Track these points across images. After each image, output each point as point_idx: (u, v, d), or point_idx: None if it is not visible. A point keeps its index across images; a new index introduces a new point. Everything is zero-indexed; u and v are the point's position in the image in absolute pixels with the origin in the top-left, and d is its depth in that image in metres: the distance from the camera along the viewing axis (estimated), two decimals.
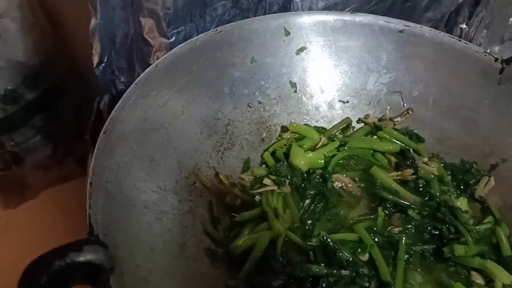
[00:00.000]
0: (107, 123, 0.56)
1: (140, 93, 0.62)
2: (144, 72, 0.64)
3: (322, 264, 0.62)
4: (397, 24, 0.80)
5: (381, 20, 0.80)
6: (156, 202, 0.59)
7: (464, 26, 1.14)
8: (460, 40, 0.79)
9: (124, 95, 0.61)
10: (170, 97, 0.66)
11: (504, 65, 0.75)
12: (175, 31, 0.78)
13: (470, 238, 0.66)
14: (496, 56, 0.77)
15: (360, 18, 0.81)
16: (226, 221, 0.68)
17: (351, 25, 0.80)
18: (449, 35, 0.80)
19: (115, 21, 0.76)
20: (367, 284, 0.61)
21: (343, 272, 0.62)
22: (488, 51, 0.78)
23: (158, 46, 0.72)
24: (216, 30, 0.73)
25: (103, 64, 0.77)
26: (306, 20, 0.79)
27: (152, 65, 0.66)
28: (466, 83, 0.78)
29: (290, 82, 0.81)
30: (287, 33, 0.78)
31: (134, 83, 0.62)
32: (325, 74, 0.82)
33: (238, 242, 0.63)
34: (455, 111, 0.79)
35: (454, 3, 1.08)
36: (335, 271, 0.61)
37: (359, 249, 0.65)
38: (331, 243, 0.63)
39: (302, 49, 0.80)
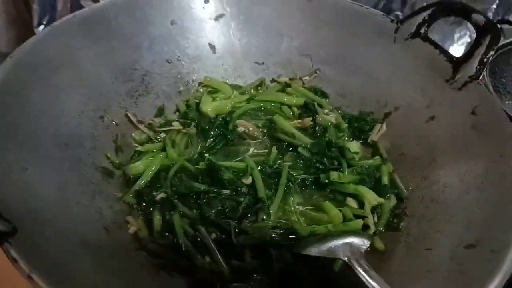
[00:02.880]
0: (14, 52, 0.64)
1: (55, 35, 0.71)
2: (61, 19, 0.74)
3: (207, 184, 0.69)
4: None
5: None
6: (58, 128, 0.66)
7: (398, 12, 1.22)
8: (361, 6, 0.87)
9: (39, 34, 0.70)
10: (85, 44, 0.75)
11: (398, 25, 0.83)
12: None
13: (346, 167, 0.72)
14: (392, 18, 0.84)
15: None
16: (130, 152, 0.75)
17: None
18: (352, 1, 0.88)
19: None
20: (242, 200, 0.67)
21: (224, 191, 0.68)
22: None
23: None
24: None
25: (42, 26, 0.88)
26: None
27: (70, 14, 0.75)
28: (367, 44, 0.86)
29: (210, 44, 0.90)
30: (206, 0, 0.88)
31: (50, 26, 0.72)
32: (242, 39, 0.91)
33: (133, 165, 0.71)
34: (357, 69, 0.87)
35: None
36: (215, 189, 0.68)
37: (242, 174, 0.71)
38: (215, 166, 0.70)
39: (220, 16, 0.89)
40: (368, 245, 0.57)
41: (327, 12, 0.88)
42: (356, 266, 0.52)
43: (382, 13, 0.86)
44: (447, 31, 1.31)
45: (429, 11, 0.79)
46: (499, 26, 0.78)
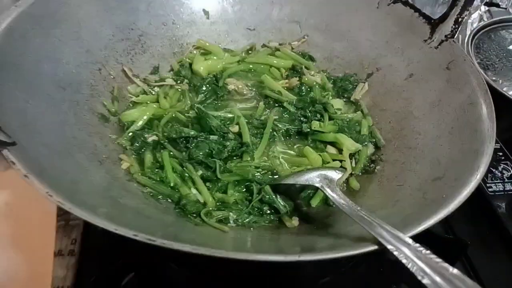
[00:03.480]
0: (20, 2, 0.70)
1: None
2: None
3: (196, 130, 0.74)
4: None
5: None
6: (57, 73, 0.71)
7: None
8: None
9: None
10: (86, 1, 0.80)
11: None
12: None
13: (327, 118, 0.76)
14: None
15: None
16: (126, 103, 0.80)
17: None
18: None
19: None
20: (228, 144, 0.72)
21: (212, 136, 0.73)
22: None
23: None
24: None
25: None
26: None
27: None
28: (352, 10, 0.91)
29: (204, 10, 0.94)
30: None
31: None
32: (235, 5, 0.96)
33: (127, 112, 0.76)
34: (343, 34, 0.92)
35: None
36: (204, 134, 0.73)
37: (229, 122, 0.76)
38: (204, 115, 0.75)
39: None
40: (340, 176, 0.61)
41: None
42: (328, 191, 0.57)
43: None
44: None
45: None
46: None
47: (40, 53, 0.69)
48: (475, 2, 1.40)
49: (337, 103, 0.84)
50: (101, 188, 0.58)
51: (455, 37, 0.78)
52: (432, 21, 0.81)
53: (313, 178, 0.61)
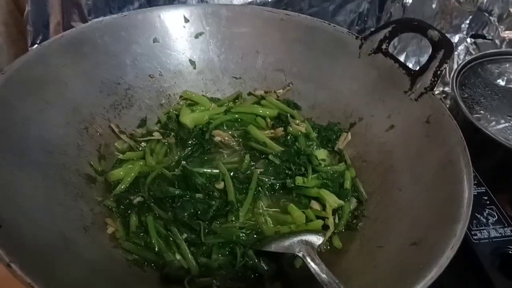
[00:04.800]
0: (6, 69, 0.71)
1: (43, 53, 0.78)
2: (50, 39, 0.81)
3: (182, 189, 0.75)
4: (279, 13, 0.96)
5: (266, 11, 0.97)
6: (44, 136, 0.73)
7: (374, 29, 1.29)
8: (329, 24, 0.94)
9: (29, 52, 0.77)
10: (72, 61, 0.82)
11: (362, 41, 0.90)
12: (95, 20, 0.96)
13: (311, 173, 0.78)
14: (356, 35, 0.91)
15: (249, 9, 0.97)
16: (112, 160, 0.81)
17: (241, 15, 0.97)
18: (321, 20, 0.95)
19: (47, 10, 0.94)
20: (213, 203, 0.73)
21: (197, 195, 0.74)
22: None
23: None
24: (121, 14, 0.90)
25: (36, 45, 0.95)
26: (203, 10, 0.96)
27: (59, 35, 0.82)
28: (334, 59, 0.93)
29: (190, 60, 0.96)
30: (186, 20, 0.95)
31: (38, 44, 0.79)
32: (220, 55, 0.98)
33: (113, 171, 0.77)
34: (325, 83, 0.94)
35: (357, 9, 1.24)
36: (189, 193, 0.74)
37: (215, 179, 0.77)
38: (189, 173, 0.76)
39: (200, 34, 0.96)
40: (320, 241, 0.62)
41: (298, 31, 0.95)
42: (309, 261, 0.58)
43: (348, 30, 0.93)
44: (424, 45, 1.38)
45: (389, 28, 0.86)
46: (452, 41, 0.84)
47: (27, 117, 0.70)
48: (460, 35, 1.44)
49: (322, 154, 0.85)
50: (84, 263, 0.59)
51: (434, 89, 0.80)
52: (412, 72, 0.82)
53: (294, 245, 0.62)
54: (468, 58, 1.21)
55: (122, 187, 0.75)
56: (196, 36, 0.96)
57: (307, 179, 0.77)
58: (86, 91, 0.83)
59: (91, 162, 0.78)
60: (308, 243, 0.62)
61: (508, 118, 1.00)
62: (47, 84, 0.76)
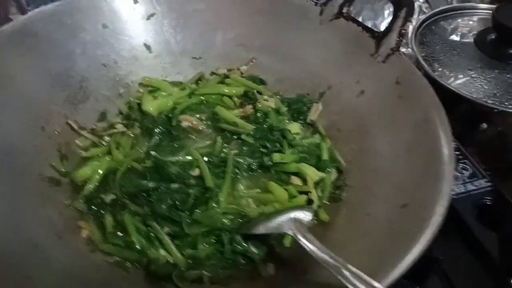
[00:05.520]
0: None
1: None
2: None
3: (155, 181, 0.71)
4: None
5: None
6: None
7: None
8: None
9: None
10: (17, 55, 0.75)
11: (322, 7, 0.87)
12: (37, 10, 0.88)
13: (287, 148, 0.76)
14: (315, 1, 0.88)
15: None
16: (75, 159, 0.76)
17: None
18: None
19: None
20: (191, 191, 0.69)
21: (172, 185, 0.70)
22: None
23: None
24: (65, 0, 0.83)
25: None
26: None
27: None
28: (295, 29, 0.90)
29: (144, 44, 0.91)
30: (135, 1, 0.89)
31: None
32: (176, 36, 0.93)
33: (79, 171, 0.71)
34: (289, 55, 0.91)
35: None
36: (164, 184, 0.70)
37: (189, 166, 0.73)
38: (161, 163, 0.72)
39: (152, 15, 0.91)
40: (310, 217, 0.61)
41: (257, 2, 0.91)
42: (300, 238, 0.56)
43: None
44: (378, 8, 1.38)
45: None
46: None
47: None
48: None
49: (294, 127, 0.83)
50: (61, 269, 0.54)
51: (400, 49, 0.78)
52: (376, 34, 0.81)
53: (283, 224, 0.60)
54: (422, 16, 1.21)
55: (91, 186, 0.70)
56: (148, 18, 0.91)
57: (284, 154, 0.74)
58: (37, 86, 0.76)
59: (53, 164, 0.72)
60: (296, 220, 0.60)
61: (468, 72, 1.01)
62: None
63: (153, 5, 0.90)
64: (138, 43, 0.90)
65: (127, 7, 0.89)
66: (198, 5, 0.92)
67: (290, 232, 0.58)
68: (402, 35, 0.78)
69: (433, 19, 1.20)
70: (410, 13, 0.77)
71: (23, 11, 0.89)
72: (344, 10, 0.85)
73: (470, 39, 1.08)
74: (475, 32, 1.09)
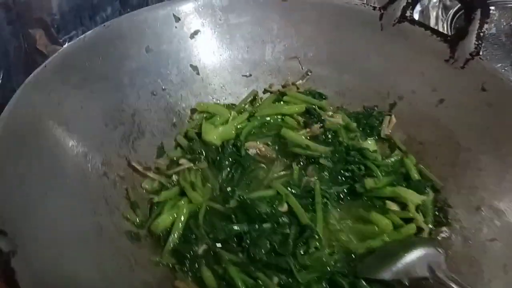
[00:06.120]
0: None
1: (30, 93, 0.61)
2: (33, 73, 0.64)
3: (243, 223, 0.63)
4: None
5: None
6: (64, 201, 0.58)
7: None
8: None
9: (13, 97, 0.59)
10: (65, 94, 0.65)
11: (382, 11, 0.81)
12: (67, 36, 0.79)
13: (379, 171, 0.69)
14: (374, 5, 0.82)
15: None
16: (146, 205, 0.67)
17: (237, 2, 0.84)
18: None
19: (4, 36, 0.75)
20: (288, 231, 0.62)
21: (265, 225, 0.63)
22: None
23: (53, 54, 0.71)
24: (103, 25, 0.74)
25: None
26: (193, 4, 0.82)
27: (40, 66, 0.65)
28: (353, 36, 0.83)
29: (191, 65, 0.82)
30: (177, 19, 0.80)
31: (23, 84, 0.62)
32: (223, 53, 0.85)
33: (159, 220, 0.63)
34: (349, 64, 0.84)
35: None
36: (256, 226, 0.63)
37: (277, 202, 0.66)
38: (248, 201, 0.64)
39: (196, 33, 0.82)
40: (443, 254, 0.55)
41: (305, 10, 0.85)
42: (446, 280, 0.50)
43: (362, 1, 0.84)
44: None
45: None
46: None
47: (34, 182, 0.55)
48: None
49: (371, 145, 0.77)
50: None
51: (480, 53, 0.74)
52: (449, 38, 0.76)
53: (415, 266, 0.54)
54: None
55: (175, 236, 0.62)
56: (192, 36, 0.83)
57: (377, 178, 0.68)
58: (91, 127, 0.68)
59: (127, 215, 0.63)
60: (429, 260, 0.54)
61: None
62: (46, 130, 0.60)
63: (196, 22, 0.82)
64: (185, 64, 0.82)
65: (169, 26, 0.80)
66: (242, 17, 0.85)
67: (428, 275, 0.52)
68: (481, 38, 0.72)
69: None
70: (485, 15, 0.72)
71: (53, 40, 0.79)
72: (408, 13, 0.79)
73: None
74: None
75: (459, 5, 1.13)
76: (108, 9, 0.84)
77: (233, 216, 0.65)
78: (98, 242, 0.56)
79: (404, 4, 0.79)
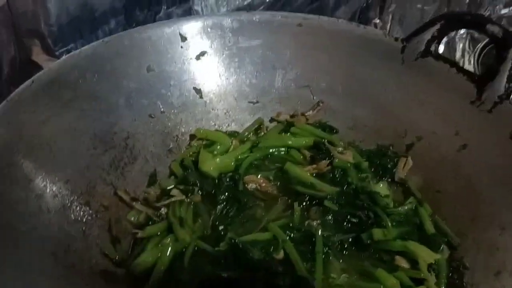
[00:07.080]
0: None
1: (13, 111, 0.57)
2: (18, 89, 0.59)
3: (233, 269, 0.57)
4: (294, 18, 0.79)
5: (278, 16, 0.79)
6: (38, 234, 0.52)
7: (377, 20, 1.15)
8: (358, 25, 0.78)
9: None
10: (52, 113, 0.61)
11: (405, 43, 0.74)
12: (64, 49, 0.74)
13: (388, 221, 0.62)
14: (396, 36, 0.76)
15: (257, 16, 0.79)
16: (129, 240, 0.62)
17: (249, 24, 0.78)
18: (348, 21, 0.79)
19: None
20: (281, 282, 0.56)
21: (257, 274, 0.57)
22: None
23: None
24: (102, 40, 0.69)
25: None
26: (202, 24, 0.77)
27: (27, 81, 0.60)
28: (371, 68, 0.77)
29: (195, 88, 0.77)
30: (184, 38, 0.75)
31: (5, 100, 0.57)
32: (230, 77, 0.80)
33: (139, 260, 0.57)
34: (364, 97, 0.78)
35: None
36: (248, 275, 0.56)
37: (272, 248, 0.60)
38: (240, 245, 0.58)
39: (202, 54, 0.77)
40: None
41: (320, 36, 0.78)
42: None
43: (383, 31, 0.78)
44: None
45: (437, 26, 0.71)
46: None
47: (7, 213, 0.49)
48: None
49: (383, 189, 0.70)
50: None
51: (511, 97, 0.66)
52: (477, 78, 0.69)
53: None
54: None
55: (155, 280, 0.56)
56: (198, 57, 0.77)
57: (386, 230, 0.61)
58: (77, 151, 0.63)
59: (105, 251, 0.58)
60: None
61: None
62: (26, 153, 0.55)
63: (203, 43, 0.77)
64: (188, 87, 0.77)
65: (174, 45, 0.75)
66: (254, 41, 0.79)
67: None
68: None
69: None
70: None
71: (50, 52, 0.75)
72: (432, 47, 0.72)
73: None
74: None
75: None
76: (112, 23, 0.79)
77: (222, 260, 0.59)
78: (64, 278, 0.50)
79: (429, 37, 0.72)
